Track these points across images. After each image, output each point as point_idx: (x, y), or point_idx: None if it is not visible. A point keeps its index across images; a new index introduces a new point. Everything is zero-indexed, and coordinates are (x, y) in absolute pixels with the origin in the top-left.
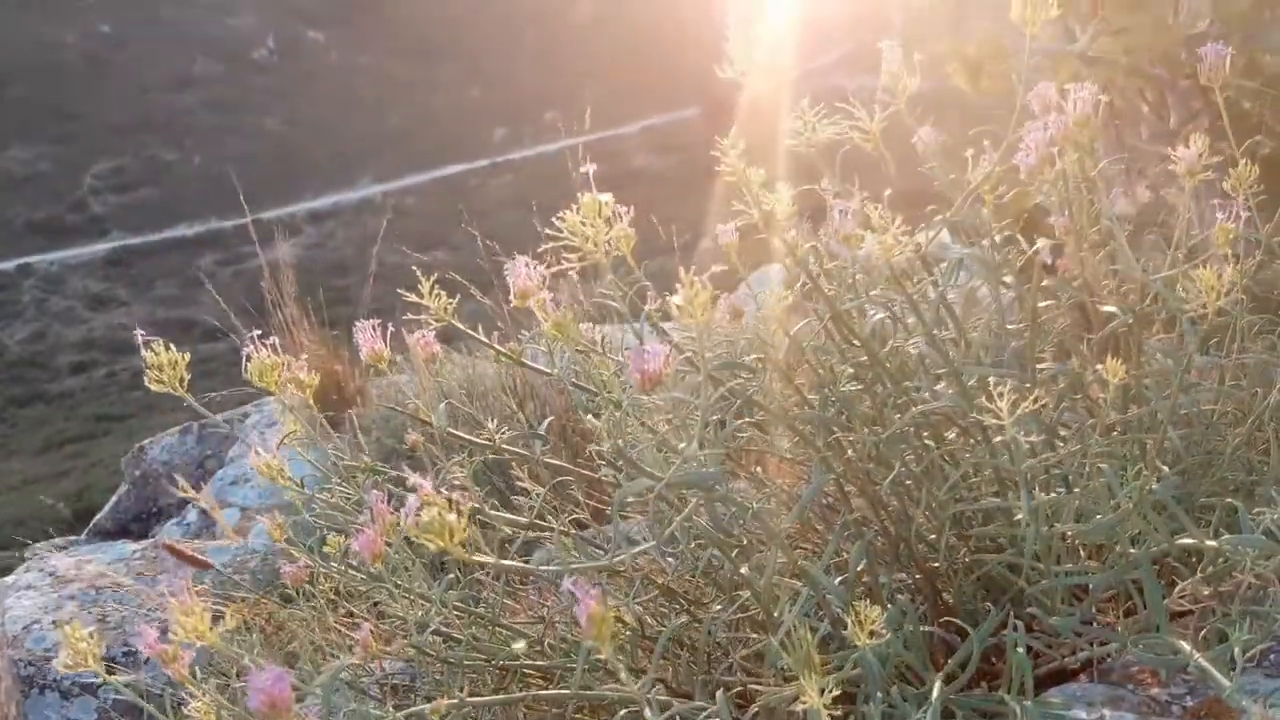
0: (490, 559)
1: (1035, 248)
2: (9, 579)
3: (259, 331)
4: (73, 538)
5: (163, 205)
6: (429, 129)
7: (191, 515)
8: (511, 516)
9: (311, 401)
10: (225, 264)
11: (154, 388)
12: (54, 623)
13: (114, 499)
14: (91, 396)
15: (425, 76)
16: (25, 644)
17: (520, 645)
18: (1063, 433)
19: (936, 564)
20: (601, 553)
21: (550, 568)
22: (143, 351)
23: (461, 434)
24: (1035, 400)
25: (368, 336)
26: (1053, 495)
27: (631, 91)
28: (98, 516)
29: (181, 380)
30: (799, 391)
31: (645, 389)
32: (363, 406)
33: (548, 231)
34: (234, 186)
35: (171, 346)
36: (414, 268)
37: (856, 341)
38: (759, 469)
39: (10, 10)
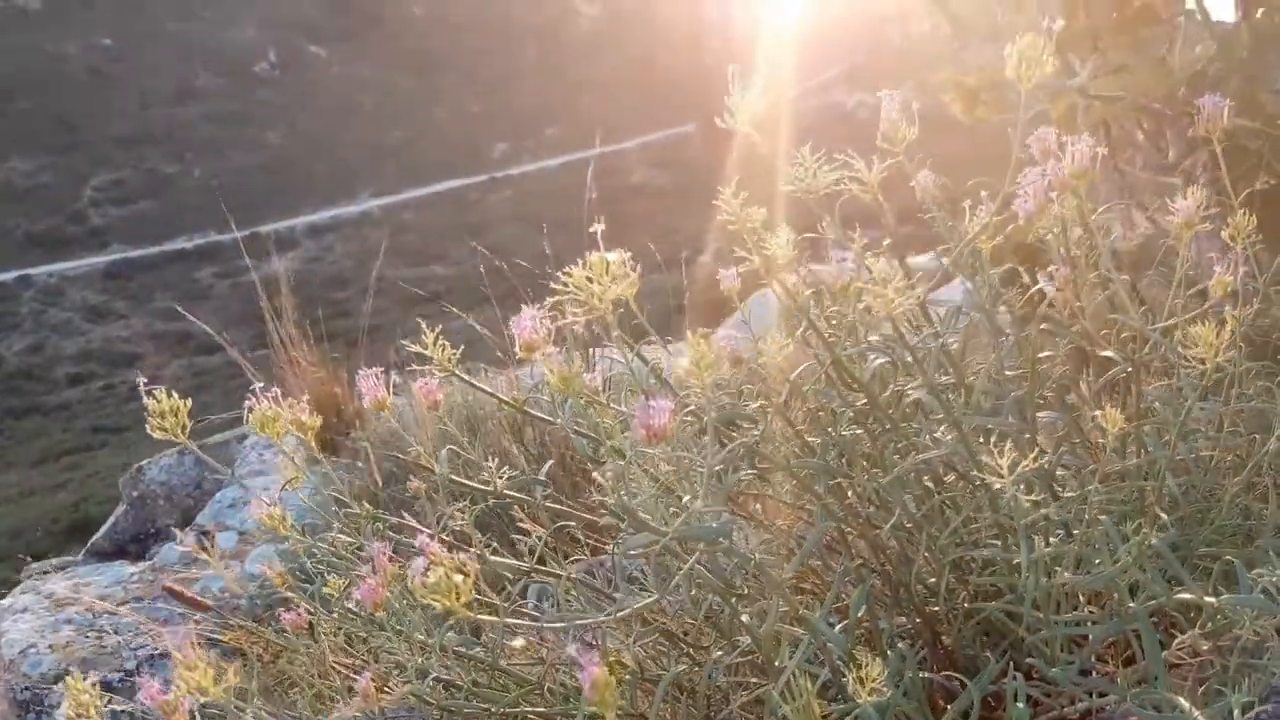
0: (493, 618)
1: (1036, 287)
2: (5, 602)
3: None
4: (69, 558)
5: (162, 218)
6: (430, 143)
7: (189, 539)
8: (513, 562)
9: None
10: (224, 276)
11: (156, 435)
12: (50, 647)
13: (111, 519)
14: (89, 408)
15: (426, 91)
16: (21, 668)
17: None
18: (1061, 474)
19: (936, 608)
20: (604, 595)
21: (554, 624)
22: (145, 399)
23: (463, 480)
24: (1035, 457)
25: (370, 385)
26: (1052, 544)
27: (631, 107)
28: (95, 537)
29: (183, 428)
30: (800, 437)
31: (650, 444)
32: (362, 429)
33: (554, 285)
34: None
35: (174, 394)
36: (417, 290)
37: (857, 386)
38: (758, 507)
39: (13, 23)
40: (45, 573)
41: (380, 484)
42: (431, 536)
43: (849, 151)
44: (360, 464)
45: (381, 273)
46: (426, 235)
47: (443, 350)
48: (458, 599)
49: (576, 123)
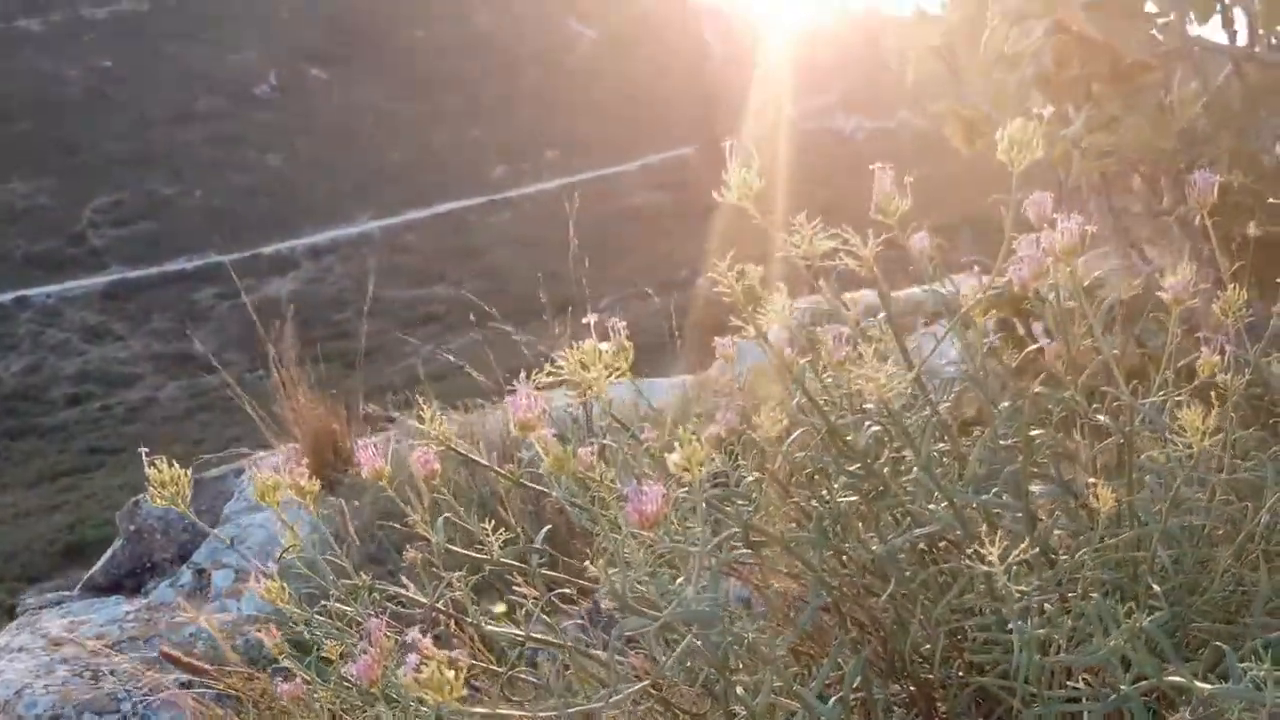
0: (489, 710)
1: (1032, 347)
2: (0, 640)
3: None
4: (65, 593)
5: (162, 239)
6: (429, 166)
7: (185, 576)
8: (510, 632)
9: (309, 469)
10: (224, 298)
11: (158, 504)
12: (46, 688)
13: (108, 553)
14: (86, 429)
15: (426, 115)
16: (17, 709)
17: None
18: (1059, 533)
19: (931, 676)
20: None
21: (549, 714)
22: (146, 469)
23: (459, 549)
24: (1028, 546)
25: (369, 455)
26: (1048, 612)
27: (630, 130)
28: (91, 571)
29: (183, 497)
30: (794, 502)
31: (643, 528)
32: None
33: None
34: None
35: (174, 464)
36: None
37: (851, 453)
38: (754, 566)
39: (13, 45)
40: (41, 608)
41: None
42: (423, 630)
43: (844, 228)
44: (358, 503)
45: (381, 293)
46: (426, 256)
47: (439, 424)
48: (450, 694)
49: (575, 145)
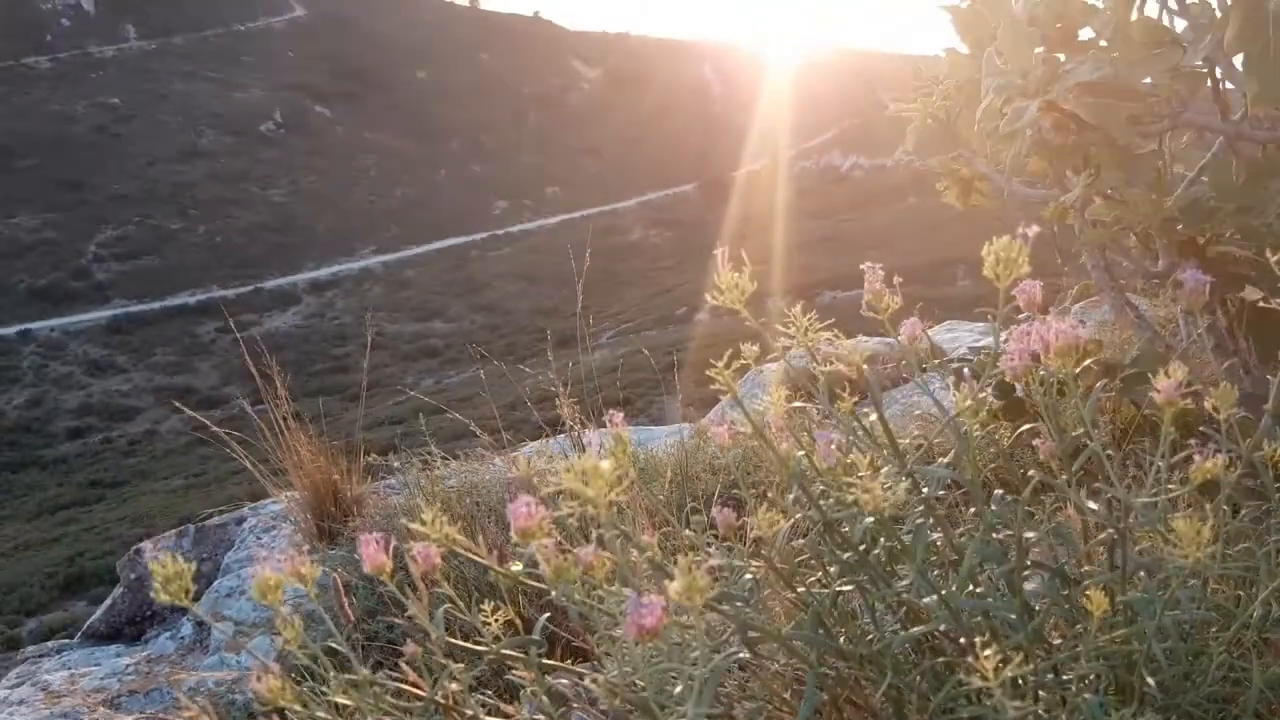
0: None
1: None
2: (0, 693)
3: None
4: (65, 640)
5: (165, 273)
6: (431, 202)
7: (186, 628)
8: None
9: (311, 518)
10: (226, 331)
11: (162, 599)
12: None
13: (108, 601)
14: (87, 462)
15: (429, 152)
16: None
17: None
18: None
19: None
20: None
21: None
22: (150, 565)
23: (458, 642)
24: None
25: (371, 550)
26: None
27: (630, 168)
28: (91, 619)
29: (186, 591)
30: (793, 600)
31: (641, 641)
32: (360, 516)
33: (549, 478)
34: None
35: (177, 558)
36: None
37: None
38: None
39: (21, 82)
40: (41, 656)
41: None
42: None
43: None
44: (357, 555)
45: (382, 327)
46: (427, 291)
47: (441, 527)
48: None
49: (576, 182)
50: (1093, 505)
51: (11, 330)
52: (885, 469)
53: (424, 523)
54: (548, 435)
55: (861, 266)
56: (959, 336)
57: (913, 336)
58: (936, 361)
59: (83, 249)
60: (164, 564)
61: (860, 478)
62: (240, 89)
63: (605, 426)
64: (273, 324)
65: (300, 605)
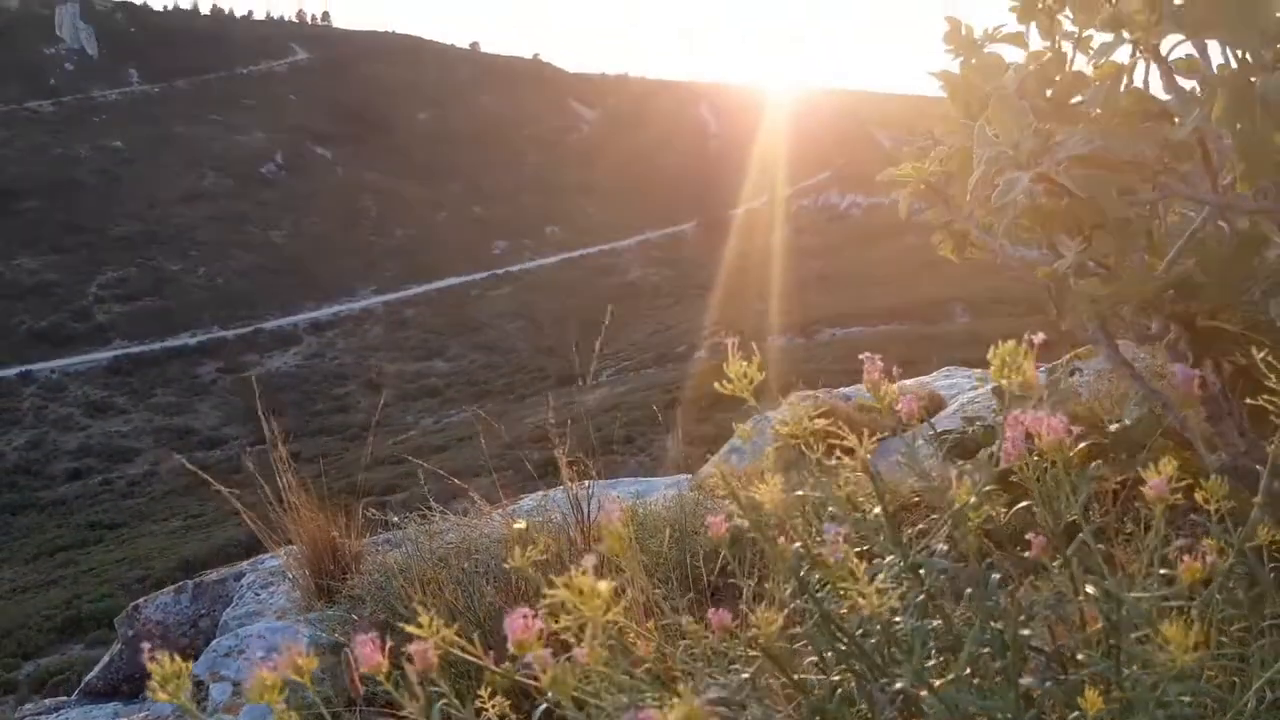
0: None
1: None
2: None
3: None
4: (63, 699)
5: (166, 314)
6: (431, 242)
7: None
8: None
9: (309, 575)
10: (226, 371)
11: (161, 699)
12: None
13: (106, 658)
14: (86, 503)
15: (429, 193)
16: None
17: None
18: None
19: None
20: None
21: None
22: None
23: None
24: None
25: (368, 650)
26: None
27: (629, 207)
28: (89, 677)
29: (186, 691)
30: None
31: None
32: (358, 573)
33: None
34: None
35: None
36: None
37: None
38: None
39: (25, 126)
40: (40, 714)
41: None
42: None
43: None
44: (355, 616)
45: (383, 367)
46: (427, 331)
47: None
48: None
49: (575, 222)
50: (1090, 589)
51: (12, 372)
52: (887, 559)
53: (422, 611)
54: (547, 478)
55: (861, 356)
56: (957, 383)
57: (909, 414)
58: (931, 433)
59: (84, 290)
60: (163, 664)
61: (860, 578)
62: (242, 131)
63: (606, 477)
64: (273, 364)
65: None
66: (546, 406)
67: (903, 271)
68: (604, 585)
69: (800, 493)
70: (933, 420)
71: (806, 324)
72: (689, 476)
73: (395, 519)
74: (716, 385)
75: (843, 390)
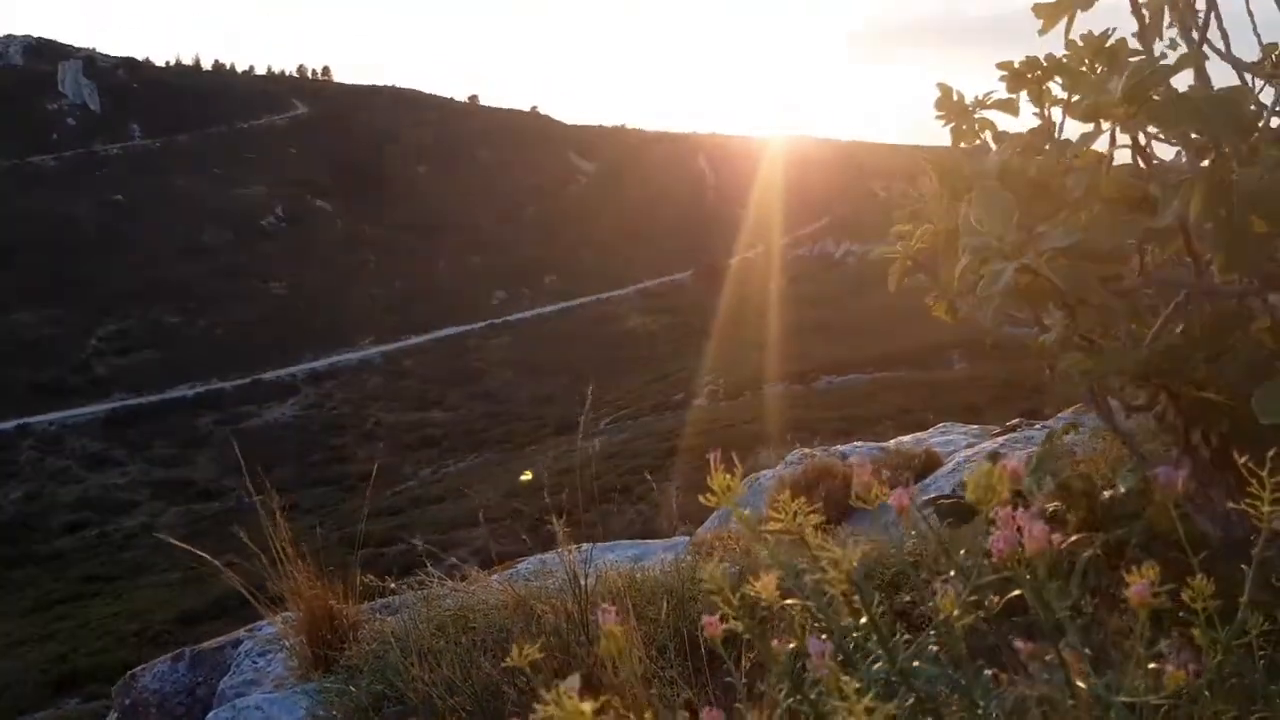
0: None
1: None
2: None
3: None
4: None
5: (165, 367)
6: (430, 293)
7: None
8: None
9: (306, 643)
10: (224, 423)
11: None
12: None
13: None
14: (82, 557)
15: (428, 244)
16: None
17: None
18: None
19: None
20: None
21: None
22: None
23: None
24: None
25: None
26: None
27: (626, 256)
28: None
29: None
30: None
31: None
32: (356, 642)
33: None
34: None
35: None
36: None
37: None
38: None
39: (28, 181)
40: None
41: None
42: None
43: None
44: (353, 688)
45: (380, 417)
46: (425, 381)
47: None
48: None
49: (573, 271)
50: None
51: (10, 425)
52: (877, 666)
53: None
54: (547, 527)
55: (852, 462)
56: (953, 440)
57: (901, 508)
58: (922, 501)
59: (83, 344)
60: None
61: (848, 695)
62: (242, 185)
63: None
64: (271, 415)
65: None
66: (548, 456)
67: (898, 319)
68: (588, 707)
69: (790, 602)
70: (929, 481)
71: (804, 371)
72: (686, 539)
73: (393, 585)
74: (701, 499)
75: (839, 448)
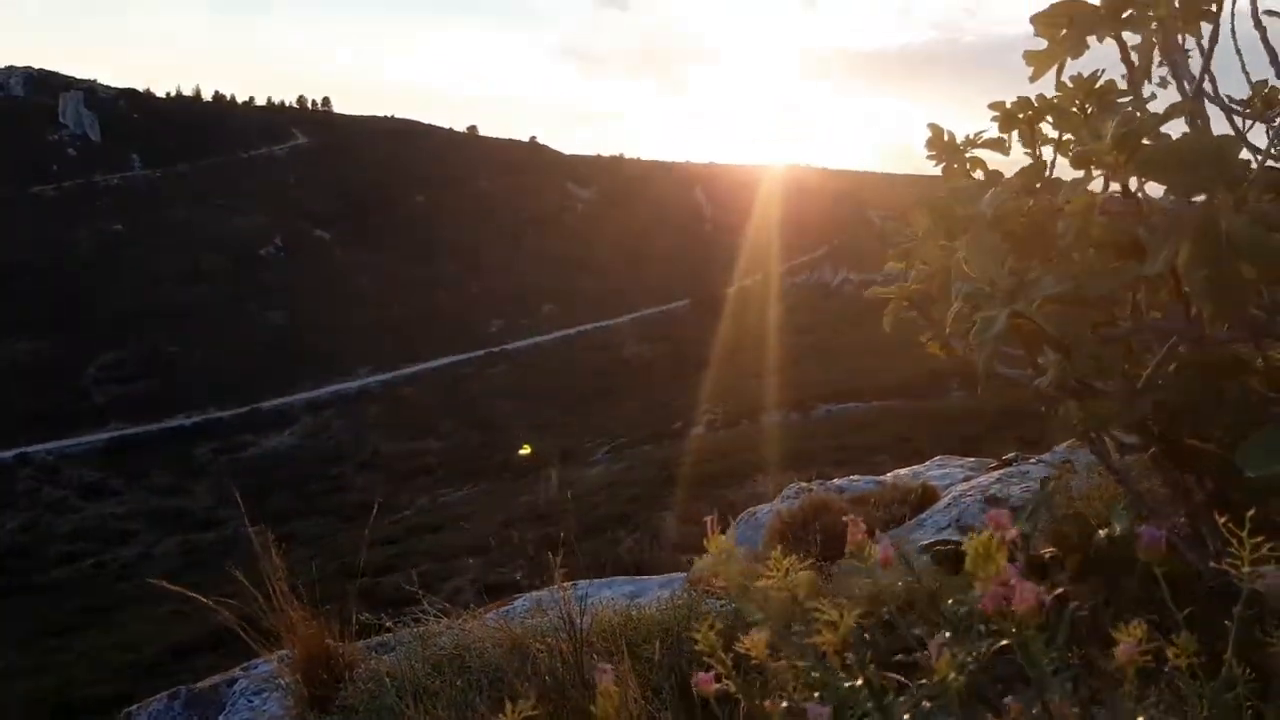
0: None
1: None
2: None
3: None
4: None
5: (163, 395)
6: (428, 321)
7: None
8: None
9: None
10: (222, 452)
11: None
12: None
13: None
14: (78, 587)
15: (426, 273)
16: None
17: None
18: None
19: None
20: None
21: None
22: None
23: None
24: None
25: None
26: None
27: (624, 285)
28: None
29: None
30: None
31: None
32: (352, 683)
33: None
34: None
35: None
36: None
37: None
38: None
39: (27, 211)
40: None
41: None
42: None
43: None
44: None
45: (378, 446)
46: (423, 409)
47: None
48: None
49: (571, 300)
50: None
51: (8, 454)
52: None
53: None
54: (541, 556)
55: (846, 517)
56: (949, 474)
57: (885, 560)
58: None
59: (82, 372)
60: None
61: None
62: (242, 214)
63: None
64: (269, 444)
65: None
66: (545, 486)
67: (896, 347)
68: None
69: (782, 663)
70: (925, 516)
71: (802, 400)
72: (683, 576)
73: (389, 624)
74: (693, 561)
75: (836, 482)
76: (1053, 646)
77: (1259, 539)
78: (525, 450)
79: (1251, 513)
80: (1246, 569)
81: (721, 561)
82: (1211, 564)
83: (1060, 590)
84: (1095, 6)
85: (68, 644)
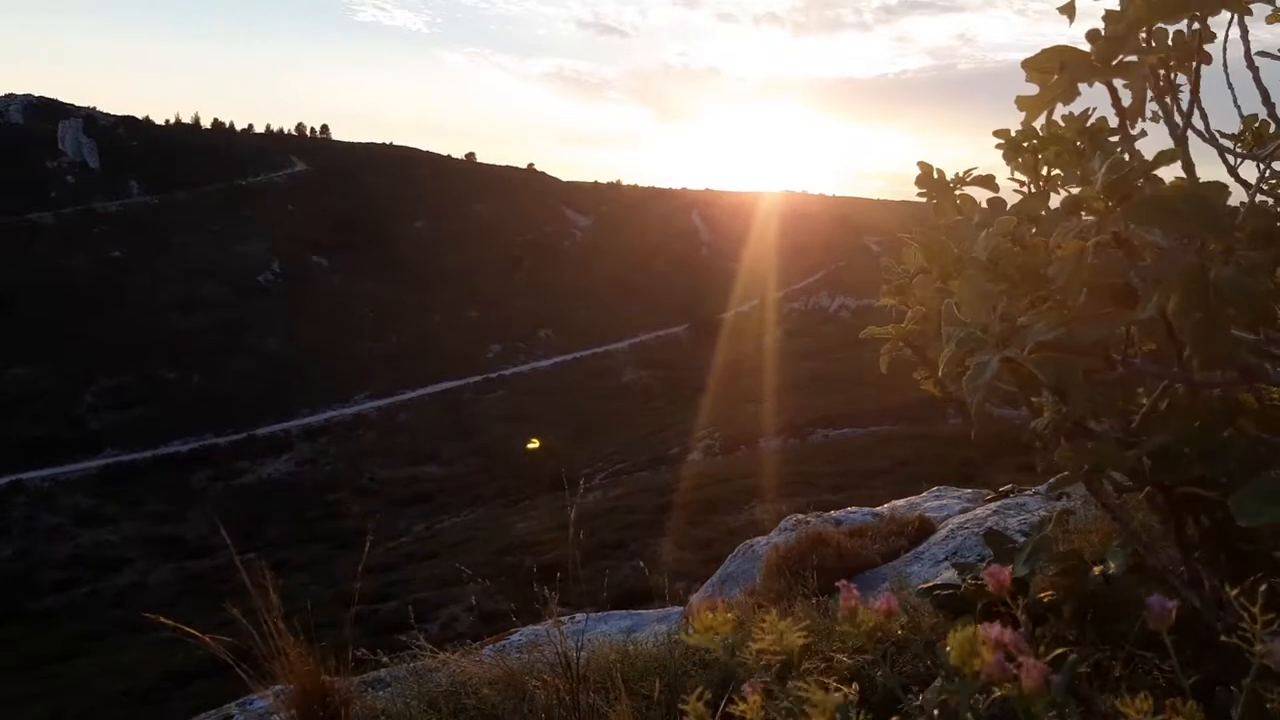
0: None
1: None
2: None
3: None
4: None
5: (159, 422)
6: (425, 347)
7: None
8: None
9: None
10: (218, 479)
11: None
12: None
13: None
14: (72, 615)
15: (424, 299)
16: None
17: None
18: None
19: None
20: None
21: None
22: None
23: None
24: None
25: None
26: None
27: (621, 311)
28: None
29: None
30: None
31: None
32: (348, 718)
33: None
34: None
35: None
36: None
37: None
38: None
39: (25, 237)
40: None
41: None
42: None
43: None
44: None
45: (374, 472)
46: (420, 435)
47: None
48: None
49: (569, 325)
50: None
51: (3, 482)
52: None
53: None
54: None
55: (838, 584)
56: (946, 505)
57: (888, 610)
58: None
59: (78, 399)
60: None
61: None
62: (240, 241)
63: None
64: (266, 471)
65: None
66: (543, 512)
67: (894, 372)
68: None
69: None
70: (922, 548)
71: (799, 425)
72: (680, 610)
73: (385, 660)
74: (683, 635)
75: (833, 515)
76: (1053, 706)
77: (1257, 579)
78: (534, 445)
79: (1249, 582)
80: (1259, 646)
81: (711, 640)
82: (1218, 619)
83: (1060, 651)
84: (1086, 54)
85: (62, 671)
